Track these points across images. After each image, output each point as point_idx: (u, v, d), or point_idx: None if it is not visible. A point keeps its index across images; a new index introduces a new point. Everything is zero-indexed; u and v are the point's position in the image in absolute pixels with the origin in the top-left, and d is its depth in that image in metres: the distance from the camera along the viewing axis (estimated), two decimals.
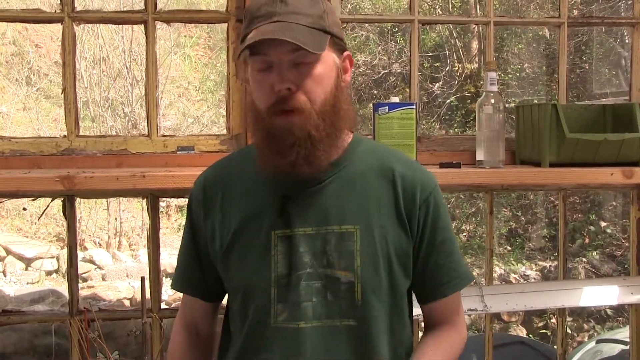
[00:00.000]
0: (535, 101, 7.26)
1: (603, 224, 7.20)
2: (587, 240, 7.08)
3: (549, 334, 5.87)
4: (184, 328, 1.31)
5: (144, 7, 1.94)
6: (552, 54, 7.63)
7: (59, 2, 1.92)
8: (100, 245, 7.75)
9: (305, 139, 1.08)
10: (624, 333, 3.43)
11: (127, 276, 7.01)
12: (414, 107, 1.84)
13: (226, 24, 1.96)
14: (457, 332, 1.25)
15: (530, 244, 7.38)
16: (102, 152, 1.93)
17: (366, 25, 8.48)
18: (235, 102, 1.96)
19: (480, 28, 7.59)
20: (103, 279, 6.98)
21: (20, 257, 7.20)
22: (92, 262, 7.21)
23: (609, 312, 5.91)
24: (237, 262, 1.17)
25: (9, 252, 7.18)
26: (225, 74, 2.00)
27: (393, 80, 8.49)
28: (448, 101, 8.23)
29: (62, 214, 1.97)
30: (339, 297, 1.13)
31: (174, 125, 8.86)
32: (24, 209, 7.57)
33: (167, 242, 7.77)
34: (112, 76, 8.49)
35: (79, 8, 1.96)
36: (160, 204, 9.64)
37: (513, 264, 7.08)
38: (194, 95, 9.77)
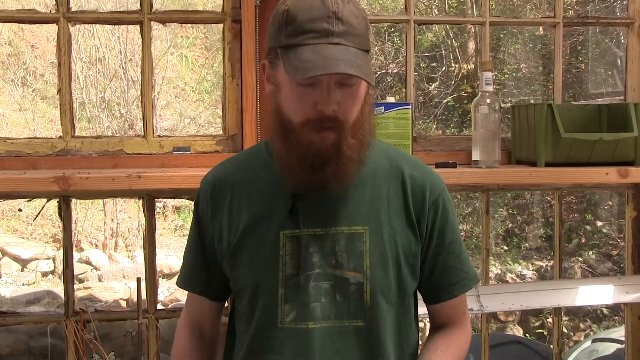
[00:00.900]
0: (532, 101, 7.27)
1: (599, 223, 7.22)
2: (583, 240, 7.09)
3: (545, 333, 5.88)
4: (189, 328, 1.30)
5: (139, 8, 1.93)
6: (548, 54, 7.64)
7: (54, 2, 1.92)
8: (96, 246, 7.74)
9: (338, 157, 1.08)
10: (619, 332, 3.43)
11: (124, 277, 7.00)
12: (410, 107, 1.85)
13: (222, 24, 1.96)
14: (465, 331, 1.26)
15: (527, 244, 7.39)
16: (97, 153, 1.93)
17: None
18: (232, 102, 1.96)
19: (476, 28, 7.61)
20: (99, 280, 6.97)
21: (16, 258, 7.18)
22: (88, 263, 7.20)
23: (605, 311, 5.92)
24: (245, 262, 1.16)
25: (4, 253, 7.16)
26: (222, 74, 2.00)
27: (390, 80, 8.49)
28: (445, 101, 8.23)
29: (57, 215, 1.97)
30: (348, 297, 1.13)
31: (170, 126, 8.85)
32: (20, 210, 7.56)
33: (163, 243, 7.77)
34: (108, 77, 8.48)
35: (74, 8, 1.96)
36: (157, 204, 9.66)
37: (510, 264, 7.09)
38: (190, 96, 9.76)
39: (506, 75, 8.15)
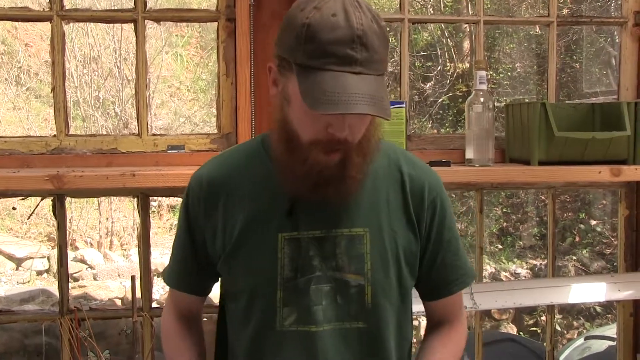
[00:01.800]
0: (527, 100, 7.29)
1: (593, 222, 7.25)
2: (577, 239, 7.12)
3: (539, 331, 5.90)
4: (176, 317, 1.29)
5: (133, 6, 1.93)
6: (543, 53, 7.66)
7: (48, 0, 1.91)
8: (91, 245, 7.73)
9: (342, 176, 1.06)
10: (611, 329, 3.45)
11: (119, 275, 6.99)
12: (404, 106, 1.85)
13: (216, 23, 1.96)
14: (462, 327, 1.27)
15: (521, 242, 7.42)
16: (92, 151, 1.93)
17: None
18: (226, 101, 1.96)
19: (472, 27, 7.62)
20: (94, 279, 6.96)
21: (11, 257, 7.16)
22: (83, 261, 7.19)
23: (598, 309, 5.95)
24: (242, 264, 1.14)
25: None
26: (216, 73, 2.00)
27: (385, 79, 8.49)
28: (440, 100, 8.25)
29: (52, 213, 1.96)
30: (349, 300, 1.12)
31: (165, 125, 8.84)
32: (14, 208, 7.54)
33: (158, 242, 7.75)
34: (102, 75, 8.46)
35: (68, 6, 1.95)
36: (152, 203, 9.62)
37: (504, 262, 7.11)
38: (185, 95, 9.75)
39: (501, 75, 8.17)
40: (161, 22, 2.19)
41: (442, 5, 8.46)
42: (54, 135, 1.93)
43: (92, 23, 7.34)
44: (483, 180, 1.95)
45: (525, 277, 6.67)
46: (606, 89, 7.35)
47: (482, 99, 1.91)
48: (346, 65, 0.97)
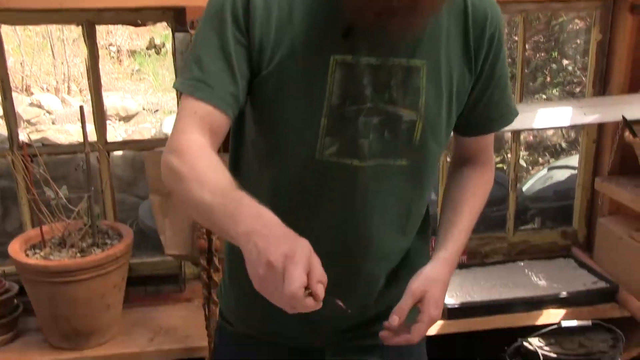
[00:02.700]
0: None
1: (565, 62, 7.20)
2: (548, 79, 7.11)
3: (505, 167, 6.06)
4: (203, 134, 1.00)
5: None
6: None
7: None
8: (48, 90, 7.49)
9: (413, 7, 0.90)
10: (575, 159, 3.52)
11: (79, 120, 6.86)
12: None
13: None
14: (492, 168, 1.24)
15: None
16: None
17: None
18: None
19: None
20: (53, 124, 6.81)
21: None
22: (40, 107, 6.98)
23: (563, 145, 6.10)
24: (283, 86, 1.00)
25: None
26: None
27: None
28: None
29: None
30: (398, 135, 1.04)
31: None
32: None
33: (118, 86, 7.55)
34: None
35: None
36: (111, 48, 9.13)
37: None
38: None
39: None
40: None
41: None
42: None
43: None
44: None
45: None
46: None
47: None
48: None
